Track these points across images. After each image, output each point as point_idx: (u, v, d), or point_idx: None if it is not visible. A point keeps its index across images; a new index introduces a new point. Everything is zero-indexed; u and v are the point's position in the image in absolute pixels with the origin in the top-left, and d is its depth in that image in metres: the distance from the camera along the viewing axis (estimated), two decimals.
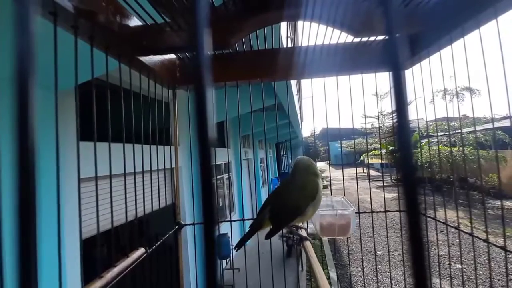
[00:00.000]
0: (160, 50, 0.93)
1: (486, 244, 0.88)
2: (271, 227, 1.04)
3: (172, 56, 1.15)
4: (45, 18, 0.55)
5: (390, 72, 0.19)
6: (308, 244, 1.05)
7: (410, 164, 0.19)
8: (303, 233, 1.14)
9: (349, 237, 1.18)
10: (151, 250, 0.96)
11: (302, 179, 1.09)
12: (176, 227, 1.23)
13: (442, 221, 1.07)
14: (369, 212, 1.30)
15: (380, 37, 1.03)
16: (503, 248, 0.81)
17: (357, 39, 1.08)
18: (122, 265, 0.79)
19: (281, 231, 1.16)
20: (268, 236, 1.04)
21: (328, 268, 6.28)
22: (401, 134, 0.19)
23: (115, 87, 0.78)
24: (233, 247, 1.12)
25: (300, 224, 1.18)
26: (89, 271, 0.70)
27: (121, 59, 0.80)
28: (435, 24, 0.87)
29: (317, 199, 1.05)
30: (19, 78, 0.17)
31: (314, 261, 0.91)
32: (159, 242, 1.03)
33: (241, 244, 1.07)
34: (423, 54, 1.01)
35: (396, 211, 1.23)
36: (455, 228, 1.00)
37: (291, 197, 1.06)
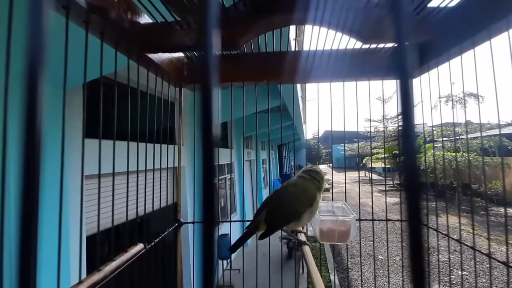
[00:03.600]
0: (168, 48, 0.94)
1: (488, 257, 0.86)
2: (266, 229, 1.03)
3: (180, 54, 1.15)
4: (57, 12, 0.55)
5: (398, 80, 0.19)
6: (307, 249, 1.05)
7: (414, 170, 0.19)
8: (302, 237, 1.14)
9: (351, 241, 1.17)
10: (150, 246, 0.96)
11: (303, 185, 1.09)
12: (176, 224, 1.23)
13: (444, 233, 1.05)
14: (370, 220, 1.28)
15: (389, 45, 1.02)
16: (505, 263, 0.80)
17: (365, 46, 1.07)
18: (121, 259, 0.79)
19: (281, 233, 1.16)
20: (262, 237, 1.03)
21: (329, 271, 6.25)
22: (406, 142, 0.19)
23: (122, 86, 0.79)
24: (228, 249, 1.07)
25: (300, 228, 1.17)
26: (90, 268, 0.71)
27: (130, 55, 0.81)
28: (445, 34, 0.86)
29: (314, 206, 1.05)
30: (29, 73, 0.18)
31: (312, 267, 0.90)
32: (158, 239, 1.03)
33: (236, 247, 1.01)
34: (431, 64, 1.00)
35: (398, 220, 1.22)
36: (457, 241, 0.98)
37: (289, 202, 1.06)
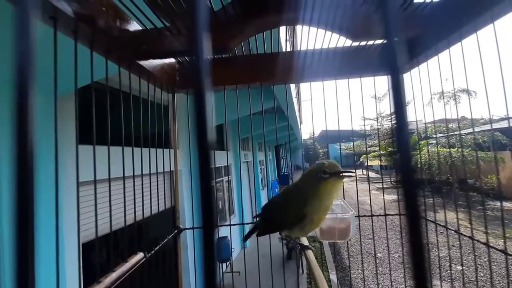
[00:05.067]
0: (159, 54, 0.94)
1: (486, 246, 0.88)
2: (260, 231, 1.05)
3: (172, 60, 1.15)
4: (45, 23, 0.55)
5: (389, 76, 0.20)
6: (310, 254, 1.00)
7: (410, 166, 0.19)
8: (304, 241, 1.10)
9: (350, 239, 1.17)
10: (150, 254, 0.95)
11: (290, 197, 0.98)
12: (175, 231, 1.22)
13: (442, 224, 1.06)
14: (369, 216, 1.29)
15: (379, 41, 1.03)
16: (504, 251, 0.81)
17: (355, 43, 1.08)
18: (121, 270, 0.78)
19: (280, 234, 1.16)
20: (258, 234, 1.05)
21: (329, 270, 6.25)
22: (400, 137, 0.19)
23: (115, 91, 0.78)
24: (242, 239, 1.17)
25: None
26: (88, 276, 0.70)
27: (121, 63, 0.80)
28: (433, 28, 0.87)
29: (306, 223, 0.90)
30: (19, 82, 0.17)
31: (317, 272, 0.86)
32: (158, 247, 1.02)
33: (247, 237, 1.12)
34: (421, 58, 1.01)
35: (396, 214, 1.22)
36: (455, 231, 0.99)
37: (277, 214, 1.00)
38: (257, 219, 1.14)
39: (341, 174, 0.86)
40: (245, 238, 1.13)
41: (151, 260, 0.96)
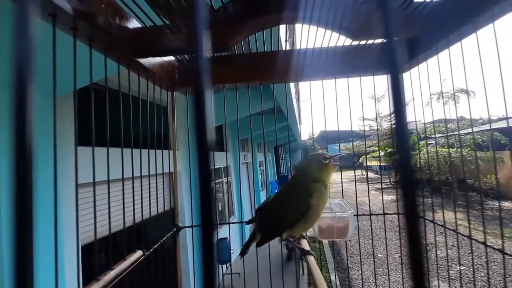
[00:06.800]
0: (159, 52, 0.94)
1: (484, 245, 0.88)
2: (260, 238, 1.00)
3: (171, 58, 1.15)
4: (44, 20, 0.55)
5: (388, 75, 0.19)
6: (312, 259, 0.95)
7: (409, 166, 0.19)
8: (305, 245, 1.06)
9: (350, 240, 1.17)
10: (148, 252, 0.95)
11: (292, 191, 0.99)
12: (174, 229, 1.22)
13: (440, 223, 1.07)
14: (367, 215, 1.29)
15: (379, 40, 1.03)
16: (501, 250, 0.81)
17: (355, 42, 1.08)
18: (119, 268, 0.78)
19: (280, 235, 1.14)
20: (258, 244, 1.01)
21: (329, 271, 6.27)
22: (399, 137, 0.19)
23: (114, 92, 0.78)
24: (238, 254, 1.08)
25: (304, 234, 1.11)
26: (88, 278, 0.70)
27: (120, 61, 0.80)
28: (432, 28, 0.87)
29: (309, 216, 0.91)
30: (17, 81, 0.17)
31: (319, 281, 0.84)
32: (157, 245, 1.02)
33: (244, 251, 1.03)
34: (421, 58, 1.01)
35: (395, 213, 1.23)
36: (453, 230, 1.00)
37: (277, 213, 0.99)
38: (252, 225, 1.06)
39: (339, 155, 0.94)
40: (243, 252, 1.04)
41: (150, 258, 0.95)
